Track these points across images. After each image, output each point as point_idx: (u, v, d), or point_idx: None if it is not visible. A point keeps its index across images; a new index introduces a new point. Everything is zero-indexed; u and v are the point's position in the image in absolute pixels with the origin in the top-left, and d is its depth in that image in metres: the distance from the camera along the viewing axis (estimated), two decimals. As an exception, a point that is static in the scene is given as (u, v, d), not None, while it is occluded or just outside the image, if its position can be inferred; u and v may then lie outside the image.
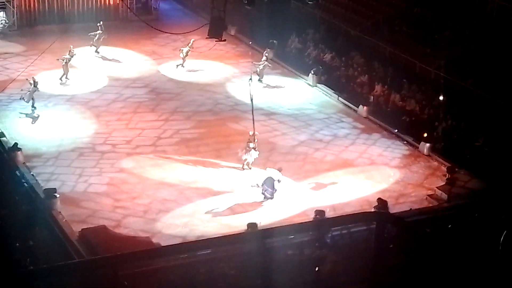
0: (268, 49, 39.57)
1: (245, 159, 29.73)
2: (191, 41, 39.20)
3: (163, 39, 42.81)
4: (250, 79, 31.56)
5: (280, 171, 27.96)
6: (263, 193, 27.84)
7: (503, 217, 26.25)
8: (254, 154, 29.70)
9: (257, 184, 28.09)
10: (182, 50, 39.23)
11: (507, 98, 32.10)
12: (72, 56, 36.62)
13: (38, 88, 33.34)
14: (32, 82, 33.17)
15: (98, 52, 40.10)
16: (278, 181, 27.75)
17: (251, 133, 29.77)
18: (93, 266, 21.53)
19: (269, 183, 27.71)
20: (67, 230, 24.85)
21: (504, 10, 36.56)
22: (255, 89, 32.18)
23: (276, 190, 27.78)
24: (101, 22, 40.50)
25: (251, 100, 30.70)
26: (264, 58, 38.08)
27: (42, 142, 31.20)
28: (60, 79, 36.41)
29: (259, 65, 37.69)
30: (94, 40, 39.89)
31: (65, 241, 24.44)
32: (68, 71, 36.55)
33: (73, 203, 27.04)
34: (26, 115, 32.95)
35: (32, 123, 32.60)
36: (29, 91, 33.08)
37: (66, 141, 31.36)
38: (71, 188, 28.11)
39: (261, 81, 37.50)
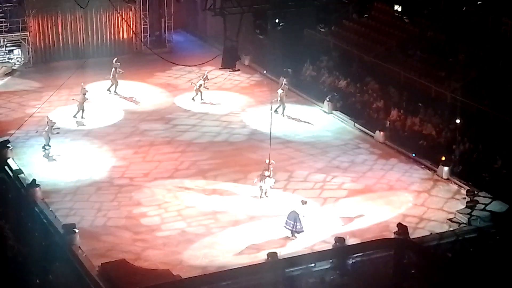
0: (282, 77, 39.69)
1: (261, 187, 29.64)
2: (206, 73, 39.35)
3: (178, 71, 42.98)
4: (272, 109, 31.69)
5: (304, 204, 27.48)
6: (285, 227, 27.27)
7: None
8: (269, 182, 29.59)
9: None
10: (195, 83, 39.29)
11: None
12: (84, 94, 36.57)
13: (54, 127, 33.34)
14: (48, 121, 33.29)
15: (115, 91, 39.89)
16: (303, 216, 27.28)
17: (267, 161, 29.71)
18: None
19: (292, 217, 27.19)
20: (87, 265, 24.79)
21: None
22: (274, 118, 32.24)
23: (299, 225, 27.14)
24: (116, 58, 40.26)
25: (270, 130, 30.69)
26: (282, 85, 37.81)
27: (60, 177, 31.24)
28: (74, 116, 36.44)
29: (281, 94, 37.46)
30: (111, 77, 39.76)
31: (85, 275, 24.39)
32: (83, 109, 36.53)
33: (93, 238, 27.00)
34: (44, 155, 32.95)
35: (48, 161, 32.63)
36: (45, 131, 33.14)
37: (84, 176, 31.39)
38: (90, 222, 28.09)
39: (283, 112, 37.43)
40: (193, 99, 39.32)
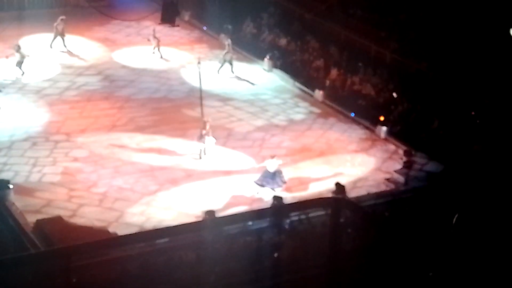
0: (223, 35, 39.29)
1: (200, 147, 29.47)
2: (154, 28, 38.95)
3: (116, 25, 42.31)
4: (199, 62, 31.25)
5: (272, 158, 27.46)
6: (267, 187, 27.25)
7: (457, 200, 26.45)
8: (209, 141, 29.43)
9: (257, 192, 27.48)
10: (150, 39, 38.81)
11: (462, 81, 32.29)
12: (17, 51, 35.50)
13: None
14: None
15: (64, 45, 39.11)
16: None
17: (205, 119, 29.49)
18: (48, 257, 21.29)
19: (267, 175, 27.25)
20: (22, 221, 24.36)
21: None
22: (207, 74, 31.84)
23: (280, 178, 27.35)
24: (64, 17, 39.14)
25: (200, 84, 30.60)
26: (227, 46, 37.47)
27: (-6, 132, 30.69)
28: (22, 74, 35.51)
29: (225, 54, 37.12)
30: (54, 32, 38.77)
31: (19, 232, 23.98)
32: (21, 62, 35.50)
33: (27, 194, 26.57)
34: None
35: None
36: None
37: (19, 131, 30.81)
38: (25, 178, 27.62)
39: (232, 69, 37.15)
40: (155, 52, 38.91)
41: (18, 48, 35.43)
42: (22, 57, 35.37)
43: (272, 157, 27.65)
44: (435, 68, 33.57)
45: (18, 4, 43.46)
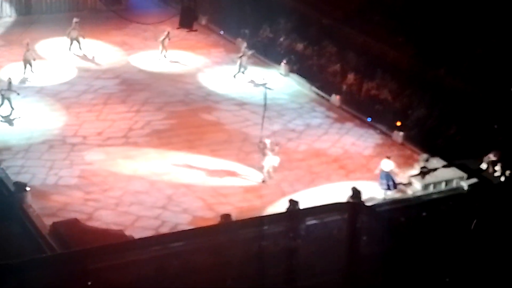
0: (240, 39, 39.27)
1: (265, 168, 28.59)
2: (166, 33, 38.85)
3: (133, 29, 42.43)
4: (264, 82, 32.21)
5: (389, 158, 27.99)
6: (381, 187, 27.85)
7: (476, 205, 26.34)
8: (273, 160, 28.53)
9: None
10: (160, 40, 38.72)
11: (480, 87, 32.15)
12: (28, 50, 35.49)
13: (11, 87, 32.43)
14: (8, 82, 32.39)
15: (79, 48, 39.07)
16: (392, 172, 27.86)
17: (267, 141, 28.82)
18: (64, 259, 21.37)
19: (384, 176, 27.72)
20: (38, 224, 24.49)
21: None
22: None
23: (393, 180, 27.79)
24: (78, 19, 39.12)
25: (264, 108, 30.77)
26: (243, 50, 37.45)
27: (11, 134, 30.76)
28: (24, 73, 35.53)
29: (240, 57, 37.11)
30: (69, 36, 38.84)
31: (36, 235, 24.10)
32: (30, 64, 35.53)
33: (44, 196, 26.66)
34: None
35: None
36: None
37: (36, 134, 30.94)
38: (42, 181, 27.72)
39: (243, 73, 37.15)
40: (164, 56, 38.79)
41: (27, 47, 35.53)
42: (30, 56, 35.43)
43: (389, 157, 28.02)
44: (452, 73, 33.43)
45: (36, 8, 43.63)
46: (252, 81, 37.05)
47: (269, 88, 34.04)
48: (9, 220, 24.60)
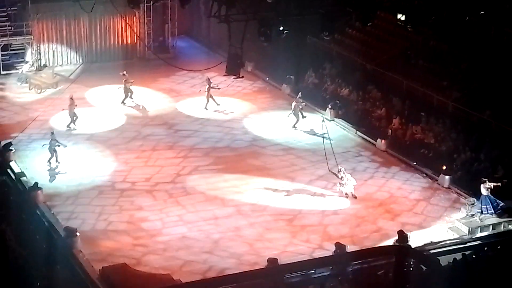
0: (286, 85, 39.51)
1: (344, 192, 30.68)
2: (206, 77, 39.30)
3: (181, 76, 43.08)
4: (323, 121, 33.87)
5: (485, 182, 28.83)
6: (485, 213, 28.56)
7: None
8: (351, 183, 30.58)
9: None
10: (205, 90, 39.10)
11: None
12: (72, 104, 35.99)
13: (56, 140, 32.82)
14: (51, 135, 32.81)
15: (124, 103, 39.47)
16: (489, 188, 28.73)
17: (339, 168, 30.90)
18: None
19: (484, 201, 28.49)
20: (88, 269, 24.87)
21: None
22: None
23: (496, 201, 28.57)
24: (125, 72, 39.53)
25: (329, 139, 33.06)
26: (297, 100, 37.61)
27: (62, 181, 31.36)
28: (68, 126, 36.07)
29: (300, 106, 37.42)
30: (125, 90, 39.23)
31: (86, 279, 24.47)
32: (75, 117, 36.06)
33: (94, 242, 27.10)
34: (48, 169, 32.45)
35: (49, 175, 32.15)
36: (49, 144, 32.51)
37: (86, 180, 31.50)
38: (91, 226, 28.19)
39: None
40: (205, 108, 39.12)
41: (72, 102, 36.12)
42: (73, 109, 35.96)
43: (484, 181, 28.72)
44: (498, 116, 33.37)
45: (86, 58, 44.59)
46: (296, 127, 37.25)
47: (327, 119, 35.93)
48: (60, 265, 25.03)
